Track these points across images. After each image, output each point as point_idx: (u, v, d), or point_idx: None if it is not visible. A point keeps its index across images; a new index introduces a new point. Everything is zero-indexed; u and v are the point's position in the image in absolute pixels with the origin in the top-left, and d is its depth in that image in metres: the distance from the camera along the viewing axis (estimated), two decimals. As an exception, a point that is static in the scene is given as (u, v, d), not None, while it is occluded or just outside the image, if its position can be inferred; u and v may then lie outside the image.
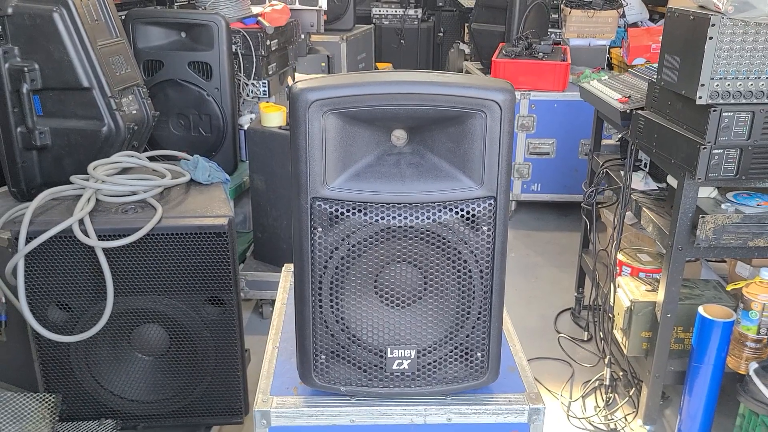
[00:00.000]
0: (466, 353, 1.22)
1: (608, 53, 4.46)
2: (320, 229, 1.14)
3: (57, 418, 1.88)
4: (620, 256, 2.41)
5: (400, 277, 1.19)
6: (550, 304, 3.13)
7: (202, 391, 2.07)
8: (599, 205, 2.74)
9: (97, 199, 1.96)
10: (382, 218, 1.13)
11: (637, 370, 2.35)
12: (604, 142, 2.87)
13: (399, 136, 1.19)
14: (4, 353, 2.16)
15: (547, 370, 2.65)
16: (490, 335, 1.22)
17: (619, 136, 2.56)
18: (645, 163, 2.46)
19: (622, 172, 2.47)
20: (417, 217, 1.14)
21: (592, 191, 2.64)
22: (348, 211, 1.13)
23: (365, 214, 1.13)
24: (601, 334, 2.54)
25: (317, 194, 1.13)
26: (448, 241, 1.16)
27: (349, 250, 1.15)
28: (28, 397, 1.87)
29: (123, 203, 1.96)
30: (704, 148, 1.78)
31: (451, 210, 1.14)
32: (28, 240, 1.80)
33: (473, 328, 1.21)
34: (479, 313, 1.20)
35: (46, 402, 1.88)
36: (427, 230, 1.15)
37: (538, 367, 2.66)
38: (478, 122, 1.11)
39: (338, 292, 1.18)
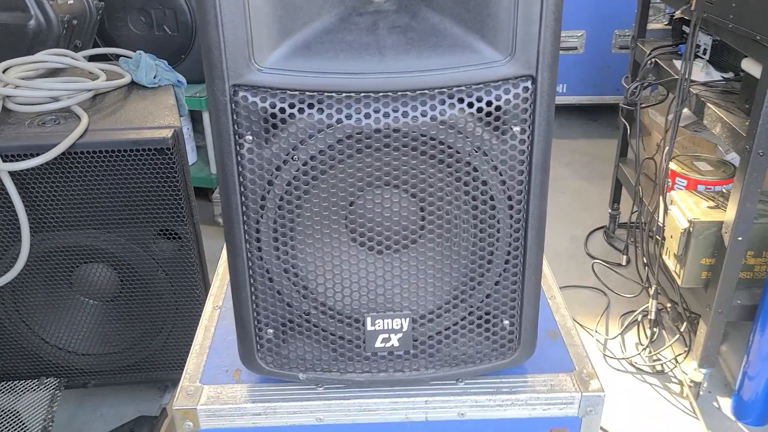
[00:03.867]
0: (487, 321, 0.81)
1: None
2: (250, 138, 0.71)
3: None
4: (673, 165, 1.96)
5: (385, 208, 0.76)
6: (580, 223, 2.71)
7: (161, 343, 1.71)
8: (643, 106, 2.26)
9: (6, 108, 1.53)
10: (349, 117, 0.69)
11: (690, 302, 1.95)
12: (650, 26, 2.36)
13: (377, -15, 0.74)
14: None
15: (579, 301, 2.26)
16: (523, 293, 0.80)
17: (673, 14, 2.06)
18: (704, 50, 1.97)
19: (677, 62, 1.99)
20: (405, 114, 0.70)
21: (636, 87, 2.16)
22: (292, 106, 0.69)
23: (321, 110, 0.69)
24: (644, 258, 2.13)
25: (241, 80, 0.69)
26: (457, 152, 0.72)
27: (299, 170, 0.72)
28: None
29: (40, 113, 1.52)
30: (810, 16, 1.30)
31: (461, 100, 0.70)
32: None
33: (497, 284, 0.79)
34: (506, 262, 0.78)
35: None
36: (422, 135, 0.71)
37: (568, 297, 2.27)
38: (505, -53, 0.65)
39: (288, 236, 0.76)
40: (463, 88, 0.70)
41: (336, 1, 0.72)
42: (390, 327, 0.79)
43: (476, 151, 0.73)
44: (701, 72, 1.90)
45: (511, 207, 0.75)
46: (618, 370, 1.97)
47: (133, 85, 1.69)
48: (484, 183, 0.74)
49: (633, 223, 2.30)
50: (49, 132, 1.45)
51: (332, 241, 0.78)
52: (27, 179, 1.45)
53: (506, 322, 0.81)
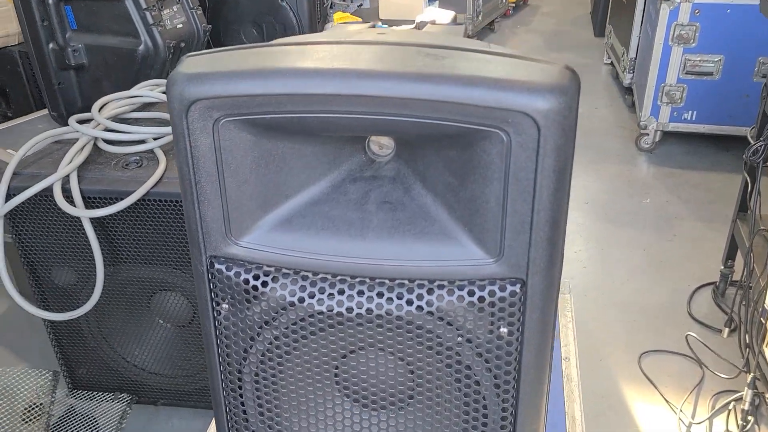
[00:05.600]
0: (471, 504, 0.76)
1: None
2: (227, 306, 0.70)
3: (53, 396, 1.67)
4: (787, 248, 1.75)
5: (373, 369, 0.73)
6: (687, 275, 2.50)
7: (224, 375, 1.77)
8: (765, 164, 2.02)
9: (99, 148, 1.63)
10: (321, 302, 0.66)
11: (790, 399, 1.75)
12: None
13: (383, 144, 0.70)
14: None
15: (668, 369, 2.10)
16: (511, 483, 0.74)
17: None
18: None
19: (808, 128, 1.75)
20: (387, 302, 0.65)
21: (760, 146, 1.94)
22: (265, 285, 0.67)
23: (294, 292, 0.66)
24: (746, 338, 1.93)
25: (217, 252, 0.68)
26: (442, 342, 0.67)
27: (272, 343, 0.70)
28: (21, 373, 1.65)
29: (127, 154, 1.60)
30: None
31: (440, 297, 0.65)
32: (11, 196, 1.51)
33: (481, 472, 0.73)
34: (492, 454, 0.72)
35: (42, 378, 1.66)
36: (405, 321, 0.66)
37: (656, 363, 2.12)
38: (494, 149, 0.59)
39: (266, 397, 0.74)
40: (445, 283, 0.65)
41: (330, 165, 0.68)
42: (366, 496, 0.76)
43: (463, 342, 0.67)
44: (834, 145, 1.66)
45: (498, 395, 0.69)
46: (698, 458, 1.82)
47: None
48: (468, 374, 0.68)
49: (743, 283, 2.08)
50: (128, 177, 1.52)
51: (320, 398, 0.75)
52: (105, 218, 1.53)
53: None
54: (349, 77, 0.57)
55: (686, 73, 3.00)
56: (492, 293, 0.63)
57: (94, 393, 1.83)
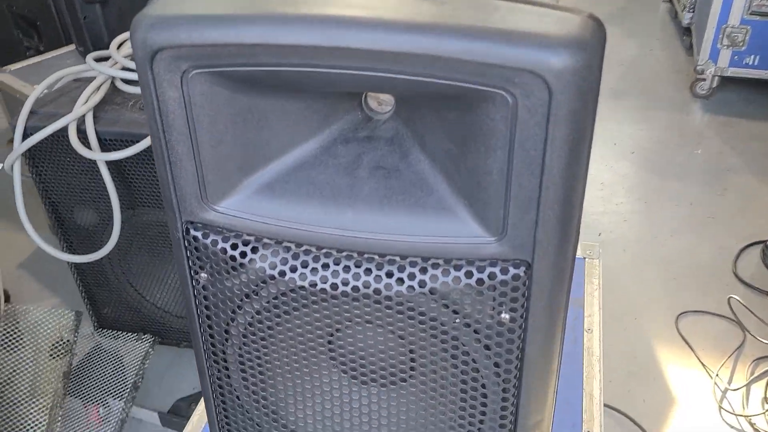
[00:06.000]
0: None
1: None
2: (205, 276, 0.64)
3: (76, 335, 1.68)
4: None
5: (368, 344, 0.67)
6: (736, 232, 2.36)
7: (245, 321, 1.76)
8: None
9: (117, 88, 1.58)
10: (308, 274, 0.60)
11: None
12: None
13: (382, 100, 0.62)
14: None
15: (707, 332, 2.00)
16: (512, 472, 0.68)
17: None
18: None
19: None
20: (375, 280, 0.59)
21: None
22: (244, 255, 0.61)
23: (275, 266, 0.60)
24: (794, 303, 1.82)
25: (193, 217, 0.62)
26: (437, 325, 0.61)
27: (253, 317, 0.64)
28: (46, 312, 1.67)
29: (144, 94, 1.54)
30: None
31: (434, 278, 0.58)
32: (28, 135, 1.48)
33: (480, 460, 0.68)
34: (491, 439, 0.66)
35: (64, 317, 1.66)
36: (395, 302, 0.60)
37: (695, 324, 2.02)
38: (497, 113, 0.50)
39: (254, 368, 0.70)
40: (440, 261, 0.57)
41: (319, 124, 0.61)
42: (358, 477, 0.72)
43: (461, 326, 0.60)
44: None
45: (499, 383, 0.63)
46: (732, 427, 1.74)
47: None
48: (466, 354, 0.62)
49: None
50: (144, 119, 1.47)
51: (308, 375, 0.70)
52: (122, 160, 1.49)
53: (489, 498, 0.70)
54: (328, 26, 0.49)
55: (751, 14, 2.77)
56: (492, 276, 0.56)
57: (119, 333, 1.85)
